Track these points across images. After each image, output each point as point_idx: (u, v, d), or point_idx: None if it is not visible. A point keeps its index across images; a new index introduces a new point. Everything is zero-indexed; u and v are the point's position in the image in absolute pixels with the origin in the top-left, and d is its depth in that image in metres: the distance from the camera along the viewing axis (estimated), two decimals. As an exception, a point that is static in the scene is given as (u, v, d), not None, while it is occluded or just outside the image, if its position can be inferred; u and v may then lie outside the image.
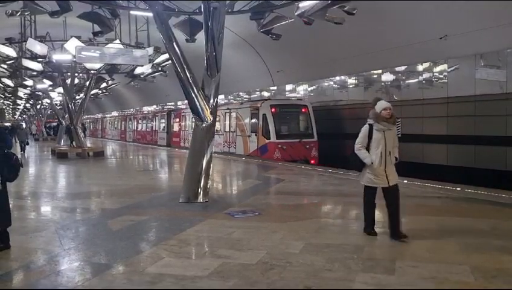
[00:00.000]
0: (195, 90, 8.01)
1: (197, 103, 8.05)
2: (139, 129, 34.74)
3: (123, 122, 39.77)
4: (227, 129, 19.30)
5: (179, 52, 8.08)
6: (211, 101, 8.23)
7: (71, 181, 12.02)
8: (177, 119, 26.71)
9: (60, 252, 4.86)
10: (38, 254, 4.81)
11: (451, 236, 5.27)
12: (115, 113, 49.17)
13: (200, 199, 7.86)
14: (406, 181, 9.82)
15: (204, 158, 8.05)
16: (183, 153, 19.28)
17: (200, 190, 7.92)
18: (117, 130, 41.42)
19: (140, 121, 34.86)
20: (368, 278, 3.97)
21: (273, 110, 16.23)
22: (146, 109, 40.37)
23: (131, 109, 44.75)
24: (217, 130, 19.52)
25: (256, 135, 16.87)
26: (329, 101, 18.05)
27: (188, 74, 7.98)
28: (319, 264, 4.32)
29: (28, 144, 23.50)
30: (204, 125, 8.14)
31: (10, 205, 5.21)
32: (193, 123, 19.72)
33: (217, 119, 19.58)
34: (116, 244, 5.15)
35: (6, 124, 43.73)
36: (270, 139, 15.97)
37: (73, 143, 20.01)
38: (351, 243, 5.03)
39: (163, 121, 29.09)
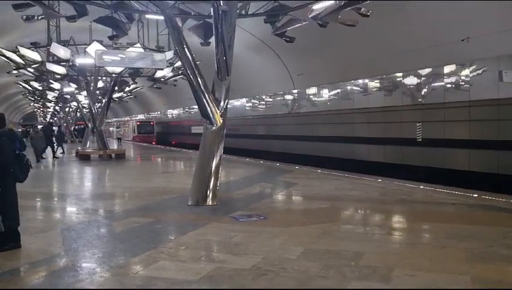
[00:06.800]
0: (205, 94, 8.00)
1: (207, 107, 8.04)
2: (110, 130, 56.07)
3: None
4: (129, 131, 43.09)
5: (190, 57, 8.10)
6: (221, 104, 8.22)
7: (86, 183, 12.26)
8: (121, 126, 49.59)
9: (59, 253, 4.93)
10: (38, 254, 4.87)
11: (457, 244, 5.07)
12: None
13: (209, 201, 7.85)
14: (421, 187, 9.60)
15: (214, 161, 8.04)
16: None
17: (209, 193, 7.90)
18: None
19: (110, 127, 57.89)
20: (361, 286, 3.86)
21: (138, 123, 42.42)
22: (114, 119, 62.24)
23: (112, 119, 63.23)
24: (126, 131, 44.62)
25: (133, 132, 41.05)
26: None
27: (198, 79, 7.98)
28: (313, 271, 4.22)
29: (44, 151, 19.78)
30: (214, 128, 8.13)
31: (22, 205, 5.35)
32: (126, 128, 43.94)
33: (126, 126, 47.52)
34: (116, 247, 5.19)
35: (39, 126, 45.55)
36: (135, 134, 40.47)
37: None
38: (351, 250, 4.90)
39: (116, 127, 51.76)
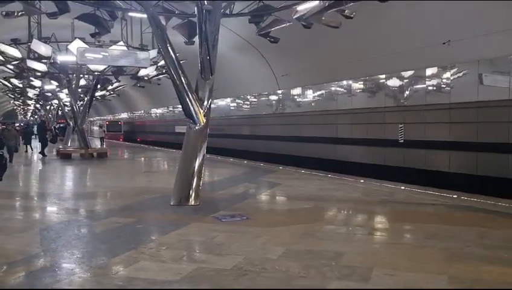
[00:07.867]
0: (189, 93, 7.97)
1: (191, 107, 8.01)
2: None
3: None
4: (104, 128, 40.08)
5: (173, 56, 8.05)
6: (205, 103, 8.20)
7: (67, 182, 12.09)
8: (95, 124, 54.12)
9: (38, 253, 4.85)
10: (16, 254, 4.78)
11: (436, 244, 5.15)
12: None
13: (192, 201, 7.80)
14: (402, 187, 9.72)
15: (197, 161, 8.00)
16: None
17: (191, 193, 7.86)
18: None
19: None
20: (341, 286, 3.89)
21: (107, 123, 47.45)
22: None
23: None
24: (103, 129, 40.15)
25: (105, 130, 39.23)
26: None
27: (182, 78, 7.94)
28: (294, 271, 4.24)
29: (17, 150, 18.05)
30: (197, 128, 8.10)
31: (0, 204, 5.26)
32: (95, 126, 52.06)
33: (103, 125, 44.49)
34: (96, 247, 5.14)
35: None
36: (106, 132, 39.08)
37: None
38: (332, 250, 4.94)
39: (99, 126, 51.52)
